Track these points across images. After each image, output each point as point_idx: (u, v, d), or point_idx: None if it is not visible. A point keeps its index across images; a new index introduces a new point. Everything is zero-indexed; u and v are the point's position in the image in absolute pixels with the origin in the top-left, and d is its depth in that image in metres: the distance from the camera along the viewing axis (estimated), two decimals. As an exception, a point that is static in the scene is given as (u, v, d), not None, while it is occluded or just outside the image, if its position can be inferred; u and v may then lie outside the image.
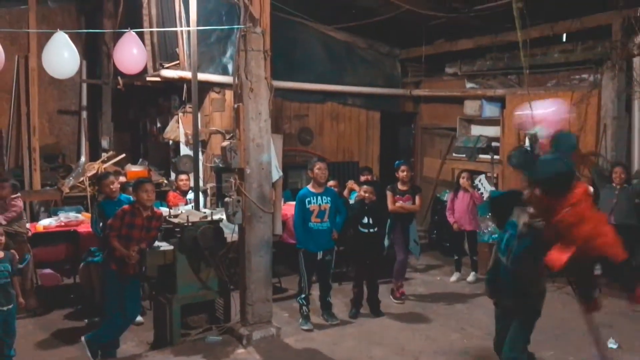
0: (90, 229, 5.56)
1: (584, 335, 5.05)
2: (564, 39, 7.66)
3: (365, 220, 5.73)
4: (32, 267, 5.63)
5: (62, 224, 6.02)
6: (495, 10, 7.09)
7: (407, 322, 5.47)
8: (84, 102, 9.05)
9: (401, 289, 6.23)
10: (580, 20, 7.13)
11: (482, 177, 8.02)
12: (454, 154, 8.93)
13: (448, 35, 8.80)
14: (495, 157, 8.01)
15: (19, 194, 5.67)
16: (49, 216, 6.55)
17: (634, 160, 6.98)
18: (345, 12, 8.36)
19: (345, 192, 6.82)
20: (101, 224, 5.19)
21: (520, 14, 6.76)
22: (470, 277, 6.93)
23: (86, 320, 5.46)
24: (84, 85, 9.00)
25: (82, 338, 4.62)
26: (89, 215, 6.10)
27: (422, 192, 6.27)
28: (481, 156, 8.30)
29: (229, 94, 7.31)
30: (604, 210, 6.51)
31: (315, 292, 5.64)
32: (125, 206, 4.75)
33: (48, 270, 6.06)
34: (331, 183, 6.51)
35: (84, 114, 9.05)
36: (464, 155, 8.58)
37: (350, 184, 6.94)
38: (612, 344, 4.84)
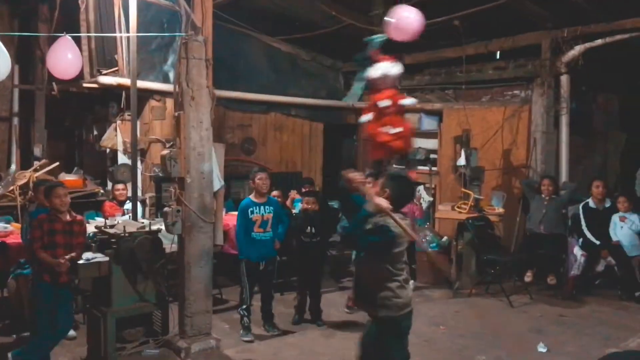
0: (19, 240, 5.31)
1: (518, 340, 5.30)
2: (498, 57, 8.04)
3: (308, 229, 5.78)
4: None
5: (-10, 234, 5.73)
6: (432, 28, 7.34)
7: (348, 331, 5.51)
8: (16, 108, 8.68)
9: (350, 300, 6.23)
10: (513, 39, 7.52)
11: (421, 187, 8.24)
12: (394, 165, 9.11)
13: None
14: (433, 168, 8.26)
15: None
16: (-25, 227, 6.20)
17: (561, 173, 7.39)
18: (289, 24, 8.43)
19: (288, 202, 6.84)
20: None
21: (456, 32, 7.05)
22: (410, 285, 7.04)
23: (14, 336, 5.21)
24: (16, 91, 8.62)
25: (9, 355, 4.39)
26: (18, 225, 5.83)
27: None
28: (420, 167, 8.52)
29: (169, 102, 7.19)
30: (534, 220, 6.87)
31: (257, 302, 5.60)
32: (41, 215, 4.56)
33: (-27, 284, 5.73)
34: (274, 193, 6.52)
35: (15, 121, 8.66)
36: (403, 167, 8.77)
37: (293, 194, 6.97)
38: (541, 348, 5.05)
